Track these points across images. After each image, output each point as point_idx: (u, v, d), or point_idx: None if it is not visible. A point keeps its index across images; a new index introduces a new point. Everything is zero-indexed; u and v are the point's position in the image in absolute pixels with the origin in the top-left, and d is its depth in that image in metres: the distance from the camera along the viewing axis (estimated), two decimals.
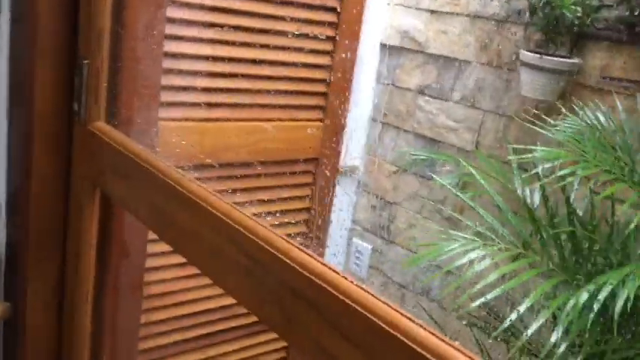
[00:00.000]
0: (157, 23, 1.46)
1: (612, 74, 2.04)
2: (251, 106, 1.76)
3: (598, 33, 2.03)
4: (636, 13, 1.92)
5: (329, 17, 2.09)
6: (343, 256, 3.02)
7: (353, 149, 2.83)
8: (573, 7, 1.90)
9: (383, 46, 2.76)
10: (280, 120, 1.84)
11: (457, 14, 2.49)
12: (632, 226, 1.34)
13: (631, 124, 1.62)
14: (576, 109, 1.70)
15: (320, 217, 2.38)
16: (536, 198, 1.84)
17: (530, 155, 1.52)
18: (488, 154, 2.39)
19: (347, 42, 2.25)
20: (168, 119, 1.64)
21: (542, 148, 1.49)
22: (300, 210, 2.05)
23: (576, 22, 1.92)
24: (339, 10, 2.19)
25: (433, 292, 2.61)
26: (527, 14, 2.15)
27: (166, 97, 1.59)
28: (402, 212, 2.76)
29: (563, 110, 1.79)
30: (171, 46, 1.59)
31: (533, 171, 1.53)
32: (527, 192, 1.86)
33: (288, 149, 1.87)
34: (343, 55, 2.29)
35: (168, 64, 1.60)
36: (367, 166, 2.89)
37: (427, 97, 2.63)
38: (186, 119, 1.68)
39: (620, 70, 2.02)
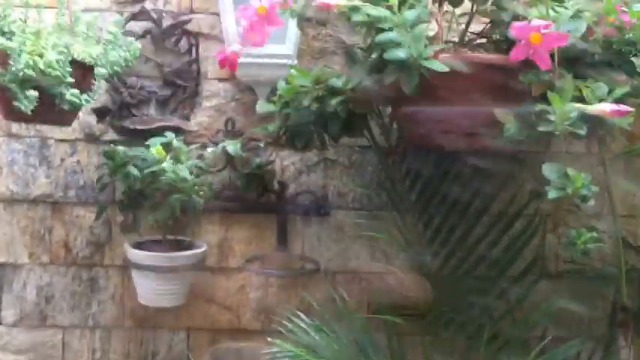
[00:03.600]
0: None
1: (232, 247, 1.70)
2: None
3: (211, 206, 1.65)
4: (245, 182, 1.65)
5: None
6: None
7: None
8: (197, 187, 1.46)
9: None
10: None
11: None
12: None
13: (343, 336, 1.32)
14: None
15: None
16: None
17: None
18: None
19: None
20: None
21: None
22: None
23: (202, 203, 1.49)
24: None
25: None
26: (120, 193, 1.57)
27: None
28: None
29: None
30: None
31: None
32: None
33: None
34: None
35: None
36: None
37: None
38: None
39: (238, 240, 1.70)
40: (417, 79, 1.17)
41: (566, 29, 1.05)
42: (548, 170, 1.02)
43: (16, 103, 1.18)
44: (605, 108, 1.00)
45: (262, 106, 1.63)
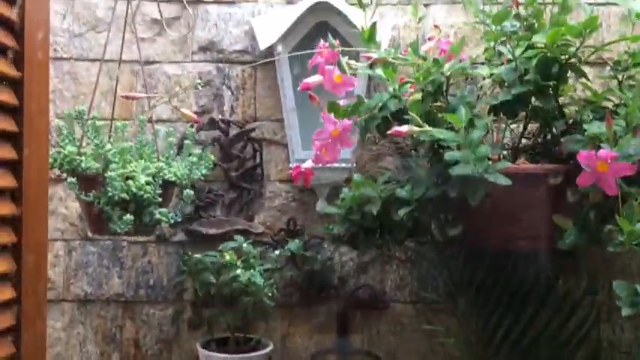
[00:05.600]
0: None
1: (294, 341, 1.76)
2: None
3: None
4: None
5: None
6: None
7: None
8: (267, 289, 1.54)
9: None
10: None
11: None
12: None
13: None
14: None
15: None
16: None
17: None
18: None
19: None
20: None
21: None
22: None
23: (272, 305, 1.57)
24: None
25: None
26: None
27: None
28: None
29: None
30: None
31: None
32: None
33: None
34: None
35: None
36: None
37: None
38: None
39: (300, 334, 1.76)
40: (483, 192, 1.25)
41: (628, 151, 1.12)
42: (619, 288, 1.08)
43: (111, 225, 1.27)
44: None
45: (323, 207, 1.72)
